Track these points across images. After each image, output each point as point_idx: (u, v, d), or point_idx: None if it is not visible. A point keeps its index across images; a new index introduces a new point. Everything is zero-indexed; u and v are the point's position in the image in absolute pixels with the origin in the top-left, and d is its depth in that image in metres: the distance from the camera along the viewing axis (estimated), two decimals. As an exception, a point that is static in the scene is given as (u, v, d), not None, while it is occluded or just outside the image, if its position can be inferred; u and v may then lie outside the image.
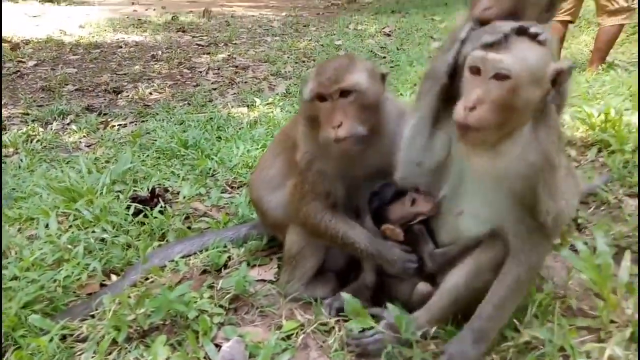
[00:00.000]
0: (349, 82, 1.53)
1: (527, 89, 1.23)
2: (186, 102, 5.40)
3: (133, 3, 14.86)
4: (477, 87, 1.24)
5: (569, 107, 3.23)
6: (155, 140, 3.76)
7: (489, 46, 1.25)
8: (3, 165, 3.38)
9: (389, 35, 9.24)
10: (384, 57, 7.20)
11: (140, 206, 2.36)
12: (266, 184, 1.86)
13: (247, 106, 5.00)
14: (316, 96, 1.54)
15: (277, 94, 5.51)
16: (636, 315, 1.38)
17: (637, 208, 2.12)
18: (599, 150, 2.63)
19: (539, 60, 1.25)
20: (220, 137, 3.90)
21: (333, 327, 1.61)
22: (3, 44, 7.54)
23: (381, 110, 1.59)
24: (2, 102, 5.18)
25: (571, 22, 5.57)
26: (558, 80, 1.27)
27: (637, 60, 6.23)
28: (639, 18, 6.77)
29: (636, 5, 5.18)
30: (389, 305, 1.52)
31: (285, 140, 1.78)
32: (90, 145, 4.14)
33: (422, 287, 1.52)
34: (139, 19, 11.15)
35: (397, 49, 7.78)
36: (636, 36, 6.96)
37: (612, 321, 1.42)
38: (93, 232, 2.27)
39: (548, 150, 1.29)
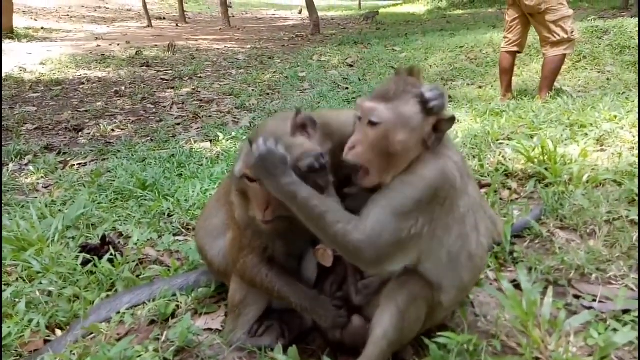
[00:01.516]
0: None
1: (399, 134, 1.39)
2: (149, 138, 5.40)
3: (97, 38, 14.85)
4: (358, 130, 1.46)
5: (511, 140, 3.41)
6: (114, 180, 3.74)
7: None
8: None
9: (351, 66, 9.51)
10: (347, 88, 7.40)
11: (88, 256, 2.34)
12: (210, 232, 1.89)
13: (210, 141, 5.05)
14: (243, 175, 1.60)
15: (241, 127, 5.59)
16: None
17: (638, 213, 2.24)
18: (538, 182, 2.77)
19: (413, 110, 1.40)
20: (181, 174, 3.91)
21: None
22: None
23: None
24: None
25: (519, 52, 5.91)
26: (439, 127, 1.43)
27: (583, 86, 6.63)
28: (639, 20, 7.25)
29: (576, 37, 5.54)
30: None
31: (227, 193, 1.82)
32: (48, 187, 4.08)
33: (356, 321, 1.57)
34: (103, 54, 11.14)
35: (360, 80, 8.02)
36: (581, 64, 7.41)
37: (536, 358, 1.49)
38: (40, 283, 2.23)
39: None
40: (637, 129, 3.24)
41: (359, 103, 1.47)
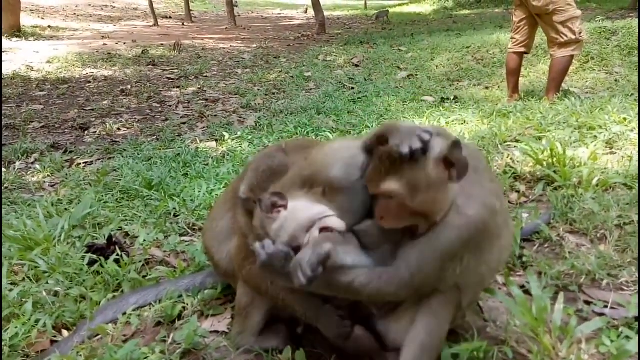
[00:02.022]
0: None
1: (417, 196, 1.29)
2: (155, 138, 5.40)
3: (103, 37, 14.89)
4: (380, 202, 1.35)
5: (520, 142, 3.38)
6: (120, 179, 3.74)
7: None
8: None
9: (357, 65, 9.48)
10: (353, 88, 7.37)
11: (94, 256, 2.34)
12: (216, 235, 1.89)
13: (216, 140, 5.04)
14: (248, 199, 1.62)
15: (247, 127, 5.57)
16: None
17: (638, 213, 2.22)
18: (547, 185, 2.74)
19: (415, 176, 1.29)
20: (187, 174, 3.91)
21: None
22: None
23: None
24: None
25: (526, 53, 5.87)
26: (452, 164, 1.30)
27: (590, 88, 6.58)
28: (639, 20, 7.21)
29: (584, 38, 5.49)
30: None
31: (234, 197, 1.81)
32: (54, 185, 4.08)
33: (359, 331, 1.55)
34: (109, 53, 11.16)
35: (365, 80, 7.98)
36: (589, 65, 7.35)
37: (546, 365, 1.47)
38: (47, 283, 2.23)
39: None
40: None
41: (366, 181, 1.37)
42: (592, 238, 2.22)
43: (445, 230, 1.33)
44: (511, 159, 3.14)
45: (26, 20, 16.36)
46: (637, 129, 3.32)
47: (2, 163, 4.58)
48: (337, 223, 1.43)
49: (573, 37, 5.27)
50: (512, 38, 5.87)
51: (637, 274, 1.94)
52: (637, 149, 3.02)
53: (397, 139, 1.29)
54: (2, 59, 10.06)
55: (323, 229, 1.42)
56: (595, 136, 3.35)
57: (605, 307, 1.77)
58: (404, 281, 1.34)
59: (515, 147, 3.31)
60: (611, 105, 4.09)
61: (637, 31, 7.75)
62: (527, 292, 1.73)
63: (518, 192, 2.75)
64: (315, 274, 1.30)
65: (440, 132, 1.37)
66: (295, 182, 1.51)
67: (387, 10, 20.96)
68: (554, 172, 2.74)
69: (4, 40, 12.72)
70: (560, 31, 5.28)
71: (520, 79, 6.08)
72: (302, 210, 1.44)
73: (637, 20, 8.25)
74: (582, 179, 2.65)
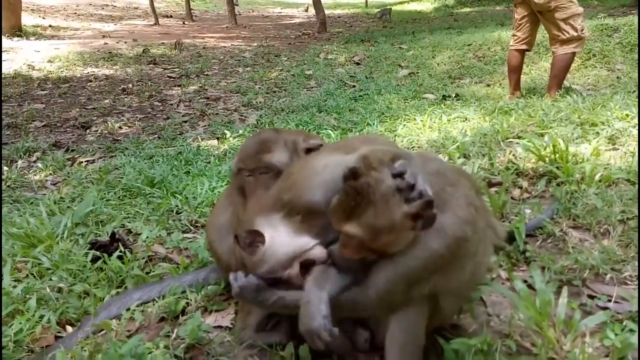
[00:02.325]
0: (268, 161, 1.67)
1: (377, 240, 1.29)
2: (156, 136, 5.41)
3: (104, 36, 14.90)
4: (341, 238, 1.36)
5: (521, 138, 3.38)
6: (122, 178, 3.75)
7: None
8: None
9: (358, 64, 9.47)
10: (354, 86, 7.37)
11: (97, 253, 2.34)
12: (219, 228, 1.89)
13: (218, 138, 5.05)
14: (239, 171, 1.68)
15: (248, 125, 5.58)
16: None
17: (638, 212, 2.22)
18: (549, 181, 2.74)
19: (379, 222, 1.27)
20: (189, 172, 3.91)
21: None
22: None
23: None
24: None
25: (527, 50, 5.86)
26: (419, 217, 1.27)
27: (592, 85, 6.57)
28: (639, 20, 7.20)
29: (586, 35, 5.48)
30: None
31: (235, 193, 1.82)
32: (56, 184, 4.09)
33: (363, 334, 1.55)
34: (110, 52, 11.17)
35: (366, 78, 7.98)
36: (590, 62, 7.34)
37: (551, 358, 1.47)
38: (50, 280, 2.24)
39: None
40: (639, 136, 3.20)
41: (330, 215, 1.35)
42: (595, 233, 2.22)
43: (414, 252, 1.33)
44: (513, 155, 3.13)
45: (27, 20, 16.37)
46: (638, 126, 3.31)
47: (5, 162, 4.59)
48: (318, 254, 1.43)
49: (575, 34, 5.26)
50: (513, 35, 5.86)
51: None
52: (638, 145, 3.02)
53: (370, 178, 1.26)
54: (4, 59, 10.07)
55: (304, 263, 1.43)
56: (598, 132, 3.34)
57: (609, 301, 1.77)
58: (372, 302, 1.38)
59: (517, 143, 3.31)
60: (613, 102, 4.08)
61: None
62: (530, 286, 1.73)
63: (520, 188, 2.75)
64: (333, 336, 1.32)
65: (421, 164, 1.35)
66: (275, 205, 1.50)
67: (390, 8, 20.91)
68: (557, 168, 2.74)
69: (5, 39, 12.73)
70: (562, 28, 5.27)
71: (521, 76, 6.07)
72: (282, 245, 1.44)
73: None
74: (584, 175, 2.65)
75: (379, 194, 1.26)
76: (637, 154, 2.86)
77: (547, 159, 2.86)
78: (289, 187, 1.50)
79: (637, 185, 2.50)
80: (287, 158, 1.69)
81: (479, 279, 1.60)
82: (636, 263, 1.98)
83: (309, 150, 1.78)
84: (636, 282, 1.89)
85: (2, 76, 8.47)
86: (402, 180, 1.28)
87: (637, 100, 4.17)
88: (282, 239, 1.44)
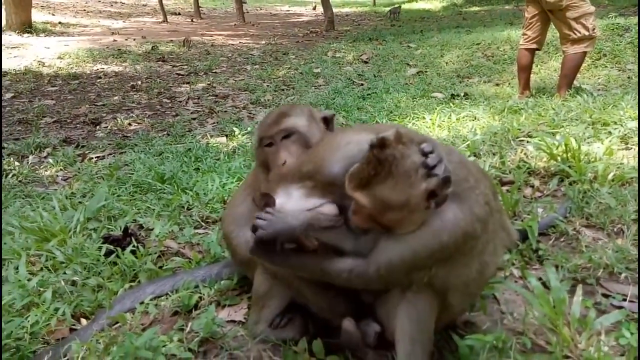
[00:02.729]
0: (288, 124, 1.70)
1: (387, 214, 1.29)
2: (165, 133, 5.44)
3: (113, 33, 14.97)
4: (354, 202, 1.36)
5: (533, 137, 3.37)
6: (133, 174, 3.77)
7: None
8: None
9: (366, 62, 9.46)
10: (362, 85, 7.36)
11: (111, 247, 2.36)
12: (236, 220, 1.88)
13: (226, 136, 5.06)
14: (260, 141, 1.73)
15: (257, 122, 5.58)
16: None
17: (638, 212, 2.22)
18: (561, 180, 2.73)
19: (394, 196, 1.25)
20: (198, 168, 3.93)
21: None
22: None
23: None
24: (-23, 137, 5.13)
25: (537, 49, 5.82)
26: (434, 196, 1.26)
27: (603, 85, 6.52)
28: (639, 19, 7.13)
29: (597, 34, 5.44)
30: None
31: (254, 182, 1.84)
32: (67, 179, 4.13)
33: (347, 324, 1.55)
34: (119, 49, 11.22)
35: (375, 76, 7.96)
36: (601, 62, 7.29)
37: (566, 356, 1.47)
38: (64, 273, 2.26)
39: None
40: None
41: (347, 179, 1.33)
42: (608, 232, 2.21)
43: (421, 237, 1.31)
44: (525, 154, 3.12)
45: (37, 17, 16.48)
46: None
47: (16, 157, 4.64)
48: (328, 210, 1.45)
49: (586, 33, 5.22)
50: (523, 34, 5.83)
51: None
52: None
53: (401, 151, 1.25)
54: (14, 55, 10.16)
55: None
56: (610, 132, 3.32)
57: (624, 300, 1.77)
58: (371, 278, 1.39)
59: (528, 142, 3.29)
60: (625, 102, 4.05)
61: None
62: (544, 284, 1.73)
63: (532, 186, 2.74)
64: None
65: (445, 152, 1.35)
66: (294, 177, 1.52)
67: (400, 6, 20.84)
68: (569, 167, 2.72)
69: (15, 36, 12.84)
70: (574, 27, 5.22)
71: (531, 75, 6.03)
72: (293, 205, 1.48)
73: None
74: (597, 174, 2.63)
75: (402, 168, 1.24)
76: (637, 154, 2.84)
77: (559, 157, 2.85)
78: (309, 160, 1.52)
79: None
80: (306, 122, 1.71)
81: (487, 278, 1.58)
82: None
83: (325, 120, 1.81)
84: (651, 282, 1.88)
85: (13, 72, 8.54)
86: (428, 158, 1.27)
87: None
88: (293, 201, 1.47)
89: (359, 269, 1.39)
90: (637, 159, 2.78)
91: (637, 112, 3.57)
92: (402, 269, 1.35)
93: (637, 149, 3.01)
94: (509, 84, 6.97)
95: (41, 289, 2.13)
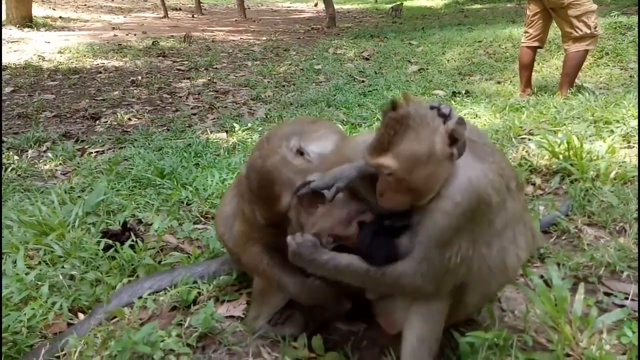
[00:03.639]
0: (280, 209, 1.58)
1: (414, 174, 1.27)
2: (165, 128, 5.42)
3: (113, 28, 14.93)
4: (380, 179, 1.34)
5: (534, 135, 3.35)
6: (132, 168, 3.75)
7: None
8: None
9: (367, 59, 9.43)
10: (363, 81, 7.34)
11: (110, 241, 2.35)
12: (226, 221, 1.88)
13: (226, 131, 5.05)
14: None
15: (257, 118, 5.57)
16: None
17: (638, 211, 2.21)
18: (563, 178, 2.72)
19: (418, 147, 1.26)
20: (198, 164, 3.91)
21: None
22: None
23: None
24: (-24, 131, 5.11)
25: (539, 47, 5.80)
26: (455, 141, 1.28)
27: (604, 83, 6.50)
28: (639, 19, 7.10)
29: (599, 32, 5.41)
30: None
31: (240, 183, 1.81)
32: (66, 173, 4.11)
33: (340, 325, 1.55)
34: (120, 44, 11.18)
35: (376, 73, 7.94)
36: (603, 60, 7.26)
37: (567, 355, 1.46)
38: (62, 267, 2.25)
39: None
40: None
41: (364, 157, 1.35)
42: (610, 230, 2.19)
43: (435, 216, 1.32)
44: (526, 152, 3.11)
45: (37, 11, 16.43)
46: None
47: (16, 151, 4.63)
48: (369, 217, 1.45)
49: (588, 31, 5.19)
50: (525, 32, 5.80)
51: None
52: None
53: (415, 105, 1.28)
54: (14, 49, 10.12)
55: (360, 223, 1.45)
56: (612, 130, 3.30)
57: (626, 298, 1.76)
58: (414, 274, 1.34)
59: (530, 140, 3.28)
60: (627, 101, 4.03)
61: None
62: (545, 282, 1.71)
63: (534, 184, 2.72)
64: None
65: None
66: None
67: (401, 4, 20.78)
68: (571, 165, 2.71)
69: (15, 30, 12.79)
70: (575, 25, 5.20)
71: (533, 73, 6.01)
72: (339, 206, 1.47)
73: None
74: (599, 172, 2.62)
75: (419, 119, 1.26)
76: (637, 154, 2.83)
77: (561, 155, 2.83)
78: (335, 156, 1.51)
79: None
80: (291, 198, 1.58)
81: (507, 274, 1.49)
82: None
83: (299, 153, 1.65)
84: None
85: (13, 66, 8.52)
86: (440, 109, 1.31)
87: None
88: (339, 202, 1.47)
89: (399, 269, 1.36)
90: (638, 157, 2.76)
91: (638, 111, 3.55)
92: (436, 251, 1.32)
93: (638, 147, 3.00)
94: (511, 81, 6.94)
95: (39, 283, 2.12)
